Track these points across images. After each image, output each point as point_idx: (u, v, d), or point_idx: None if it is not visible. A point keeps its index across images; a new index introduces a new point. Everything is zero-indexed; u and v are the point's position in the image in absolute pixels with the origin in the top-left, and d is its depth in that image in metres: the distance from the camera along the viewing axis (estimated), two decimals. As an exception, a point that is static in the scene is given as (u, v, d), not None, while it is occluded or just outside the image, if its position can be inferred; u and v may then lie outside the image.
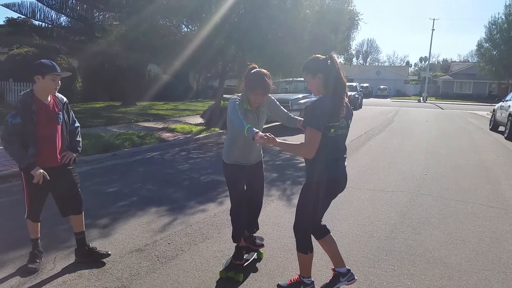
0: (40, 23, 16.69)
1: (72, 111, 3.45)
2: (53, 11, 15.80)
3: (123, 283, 3.06)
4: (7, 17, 19.49)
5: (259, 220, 3.59)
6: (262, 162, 3.44)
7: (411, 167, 7.58)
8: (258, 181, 3.44)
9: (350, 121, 2.69)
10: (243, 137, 2.98)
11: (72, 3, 15.09)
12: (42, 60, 3.18)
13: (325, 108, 2.46)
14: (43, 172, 3.03)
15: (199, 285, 3.07)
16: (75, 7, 15.03)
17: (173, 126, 12.37)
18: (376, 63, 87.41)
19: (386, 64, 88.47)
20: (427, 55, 57.76)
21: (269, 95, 3.19)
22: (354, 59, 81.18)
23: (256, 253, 3.53)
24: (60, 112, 3.25)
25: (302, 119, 3.07)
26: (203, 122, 13.51)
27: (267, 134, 2.49)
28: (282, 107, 3.31)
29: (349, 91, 27.12)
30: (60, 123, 3.24)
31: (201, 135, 11.21)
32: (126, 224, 4.28)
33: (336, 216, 4.68)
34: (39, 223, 3.36)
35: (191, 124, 13.12)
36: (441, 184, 6.36)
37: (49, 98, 3.20)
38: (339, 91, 2.53)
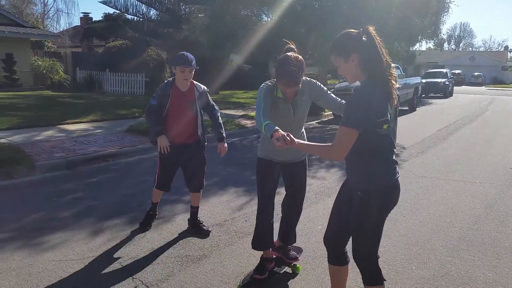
0: (133, 17, 18.08)
1: (211, 98, 3.80)
2: (143, 5, 17.03)
3: (204, 252, 3.34)
4: (104, 13, 21.38)
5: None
6: (305, 162, 3.00)
7: (503, 159, 6.99)
8: (296, 183, 2.99)
9: (398, 109, 2.27)
10: (282, 129, 2.52)
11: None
12: (180, 53, 3.54)
13: (372, 99, 1.93)
14: (167, 144, 3.45)
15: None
16: (164, 0, 16.04)
17: (252, 113, 12.73)
18: (470, 48, 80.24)
19: (482, 49, 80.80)
20: (532, 37, 51.45)
21: (314, 80, 2.80)
22: (446, 44, 75.34)
23: (289, 267, 3.08)
24: (194, 100, 3.61)
25: None
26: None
27: (287, 134, 2.08)
28: (330, 93, 2.82)
29: (440, 78, 25.20)
30: (192, 109, 3.61)
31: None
32: (208, 202, 4.59)
33: (415, 205, 4.55)
34: (162, 192, 3.85)
35: (269, 111, 13.36)
36: (539, 177, 5.80)
37: (187, 87, 3.57)
38: (384, 74, 1.98)
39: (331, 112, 13.29)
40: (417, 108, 15.87)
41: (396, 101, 2.03)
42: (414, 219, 4.13)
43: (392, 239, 3.62)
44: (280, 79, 2.55)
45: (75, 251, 3.32)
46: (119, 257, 3.22)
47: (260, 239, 2.95)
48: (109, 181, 5.53)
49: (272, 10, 12.31)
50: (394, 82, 2.00)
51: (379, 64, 1.96)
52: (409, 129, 10.40)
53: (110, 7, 17.50)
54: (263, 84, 2.70)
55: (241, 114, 12.94)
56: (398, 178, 2.10)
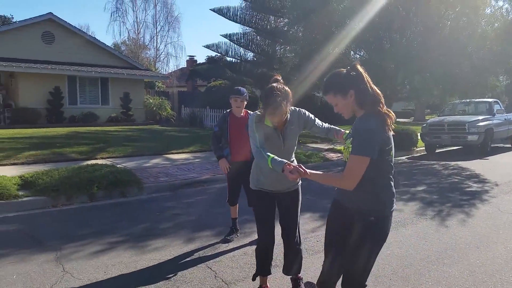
0: (231, 59, 19.81)
1: None
2: (241, 48, 18.64)
3: (276, 263, 3.81)
4: (207, 55, 23.68)
5: None
6: (297, 192, 3.03)
7: None
8: (285, 213, 3.00)
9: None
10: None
11: (257, 40, 17.55)
12: (236, 87, 4.37)
13: (377, 128, 2.04)
14: (227, 165, 4.22)
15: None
16: (260, 43, 17.42)
17: (339, 147, 13.01)
18: None
19: None
20: None
21: (303, 110, 2.89)
22: None
23: None
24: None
25: (340, 129, 2.89)
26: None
27: (299, 166, 2.17)
28: (318, 121, 2.95)
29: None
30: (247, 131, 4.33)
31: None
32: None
33: (493, 239, 4.51)
34: (236, 206, 4.56)
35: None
36: None
37: (240, 113, 4.29)
38: (378, 104, 2.08)
39: (423, 147, 12.97)
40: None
41: (391, 129, 2.10)
42: (488, 251, 4.13)
43: (460, 266, 3.72)
44: (266, 109, 2.62)
45: (172, 253, 4.05)
46: (206, 261, 3.86)
47: (258, 267, 3.06)
48: (203, 201, 6.37)
49: (360, 47, 12.73)
50: (387, 111, 2.09)
51: (371, 97, 2.08)
52: (507, 167, 9.78)
53: (212, 50, 19.44)
54: (253, 114, 2.80)
55: (327, 147, 13.29)
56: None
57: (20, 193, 6.14)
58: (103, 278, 3.46)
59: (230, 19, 17.57)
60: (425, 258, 3.93)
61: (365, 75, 2.12)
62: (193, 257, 3.97)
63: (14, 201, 5.83)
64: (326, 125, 3.00)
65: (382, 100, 2.11)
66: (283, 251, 3.18)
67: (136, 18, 34.30)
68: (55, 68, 17.09)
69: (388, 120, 2.07)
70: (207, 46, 19.71)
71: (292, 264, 3.09)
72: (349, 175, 2.05)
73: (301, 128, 2.90)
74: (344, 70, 2.17)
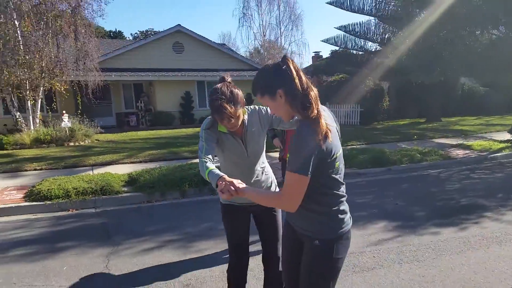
0: (353, 51, 18.88)
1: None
2: (361, 40, 17.59)
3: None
4: (331, 50, 23.06)
5: None
6: None
7: None
8: (264, 230, 2.57)
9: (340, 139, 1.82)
10: (235, 166, 2.40)
11: (378, 29, 16.32)
12: None
13: (308, 140, 1.60)
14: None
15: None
16: (378, 31, 16.18)
17: (469, 143, 11.20)
18: None
19: None
20: None
21: (264, 108, 2.43)
22: None
23: None
24: None
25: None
26: (510, 138, 11.44)
27: (232, 183, 1.80)
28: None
29: None
30: None
31: (500, 153, 9.63)
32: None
33: None
34: None
35: (495, 140, 11.44)
36: None
37: None
38: (308, 107, 1.63)
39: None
40: None
41: (331, 131, 1.64)
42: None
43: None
44: (214, 116, 2.25)
45: (211, 257, 3.97)
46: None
47: None
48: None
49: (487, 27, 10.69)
50: (323, 111, 1.72)
51: (300, 99, 1.65)
52: None
53: (331, 44, 18.83)
54: (206, 119, 2.39)
55: (455, 143, 11.55)
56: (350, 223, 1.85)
57: (123, 189, 6.87)
58: (130, 278, 3.55)
59: (346, 10, 16.75)
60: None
61: (295, 69, 1.67)
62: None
63: (115, 196, 6.54)
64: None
65: (314, 100, 1.65)
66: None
67: (262, 21, 35.53)
68: (185, 75, 18.86)
69: (321, 127, 1.60)
70: (326, 40, 19.22)
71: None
72: (287, 194, 1.68)
73: (265, 128, 2.47)
74: (272, 65, 1.73)
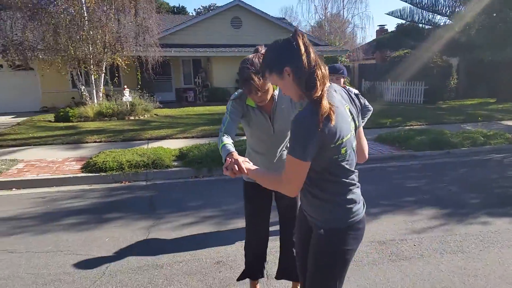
0: (418, 25, 17.66)
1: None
2: (429, 12, 16.35)
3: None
4: (397, 23, 21.66)
5: None
6: None
7: None
8: (286, 213, 2.53)
9: (359, 121, 1.70)
10: (261, 143, 2.34)
11: (445, 0, 15.05)
12: (331, 65, 3.85)
13: (310, 122, 1.47)
14: None
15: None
16: (445, 3, 14.91)
17: (545, 126, 10.14)
18: None
19: None
20: None
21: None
22: None
23: None
24: None
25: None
26: None
27: (237, 161, 1.74)
28: None
29: None
30: None
31: None
32: (390, 216, 4.34)
33: None
34: None
35: None
36: None
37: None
38: (313, 87, 1.49)
39: None
40: None
41: (332, 119, 1.48)
42: None
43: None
44: (241, 87, 2.16)
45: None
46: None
47: (251, 277, 2.74)
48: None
49: None
50: (342, 84, 1.59)
51: (308, 79, 1.51)
52: None
53: (395, 17, 17.74)
54: (234, 93, 2.34)
55: (529, 126, 10.51)
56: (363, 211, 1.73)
57: (174, 163, 7.12)
58: (165, 251, 3.66)
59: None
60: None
61: (304, 45, 1.53)
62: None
63: (165, 170, 6.79)
64: None
65: (320, 80, 1.50)
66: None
67: (323, -7, 34.32)
68: (242, 51, 18.82)
69: (322, 107, 1.46)
70: (391, 13, 18.19)
71: (288, 262, 2.64)
72: (286, 178, 1.58)
73: (296, 109, 2.31)
74: (281, 40, 1.59)
